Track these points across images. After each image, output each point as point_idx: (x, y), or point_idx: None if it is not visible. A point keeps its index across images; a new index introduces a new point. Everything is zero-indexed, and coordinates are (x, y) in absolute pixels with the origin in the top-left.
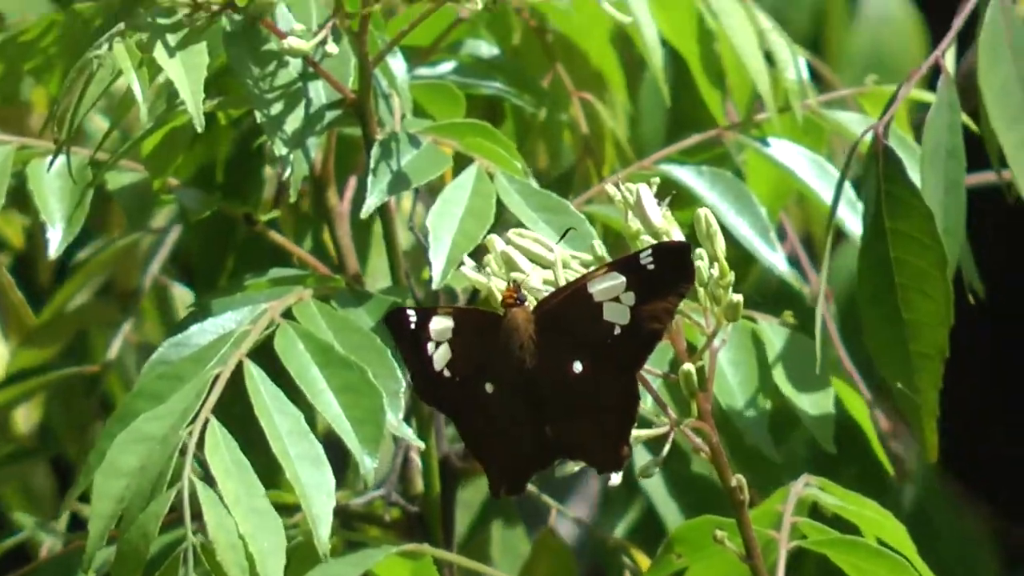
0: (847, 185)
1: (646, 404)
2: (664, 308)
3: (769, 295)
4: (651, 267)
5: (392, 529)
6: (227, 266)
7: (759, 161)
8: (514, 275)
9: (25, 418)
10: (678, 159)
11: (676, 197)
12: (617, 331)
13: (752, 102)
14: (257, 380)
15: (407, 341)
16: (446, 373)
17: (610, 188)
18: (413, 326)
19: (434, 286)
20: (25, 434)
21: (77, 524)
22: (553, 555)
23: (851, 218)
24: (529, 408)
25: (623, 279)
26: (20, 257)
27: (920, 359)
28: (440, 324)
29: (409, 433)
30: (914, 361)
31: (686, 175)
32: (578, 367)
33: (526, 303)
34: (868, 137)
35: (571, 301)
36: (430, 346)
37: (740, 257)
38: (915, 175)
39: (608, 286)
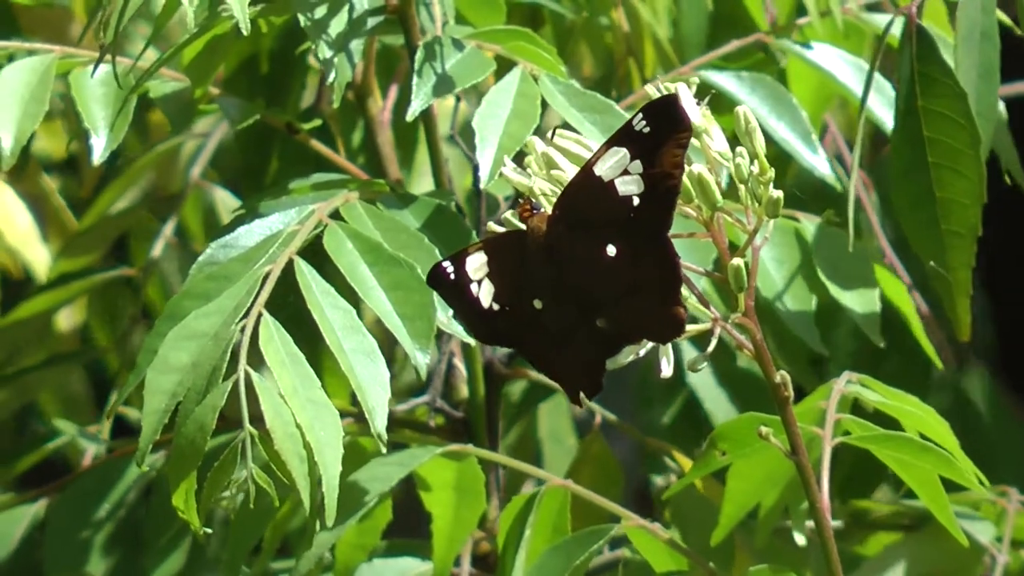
0: (886, 85)
1: (690, 300)
2: (671, 163)
3: (811, 195)
4: (647, 129)
5: (437, 435)
6: (270, 173)
7: (800, 66)
8: (536, 183)
9: (67, 319)
10: (718, 64)
11: (718, 103)
12: (636, 202)
13: (794, 6)
14: (308, 276)
15: (451, 292)
16: (495, 307)
17: (650, 89)
18: (452, 275)
19: (481, 186)
20: (66, 333)
21: (119, 431)
22: (597, 461)
23: (886, 114)
24: (578, 308)
25: (624, 151)
26: (63, 166)
27: (952, 237)
28: (475, 261)
29: (459, 329)
30: (946, 239)
31: (726, 80)
32: (611, 250)
33: (542, 210)
34: (899, 25)
35: (583, 190)
36: (473, 287)
37: (780, 157)
38: (949, 59)
39: (613, 163)
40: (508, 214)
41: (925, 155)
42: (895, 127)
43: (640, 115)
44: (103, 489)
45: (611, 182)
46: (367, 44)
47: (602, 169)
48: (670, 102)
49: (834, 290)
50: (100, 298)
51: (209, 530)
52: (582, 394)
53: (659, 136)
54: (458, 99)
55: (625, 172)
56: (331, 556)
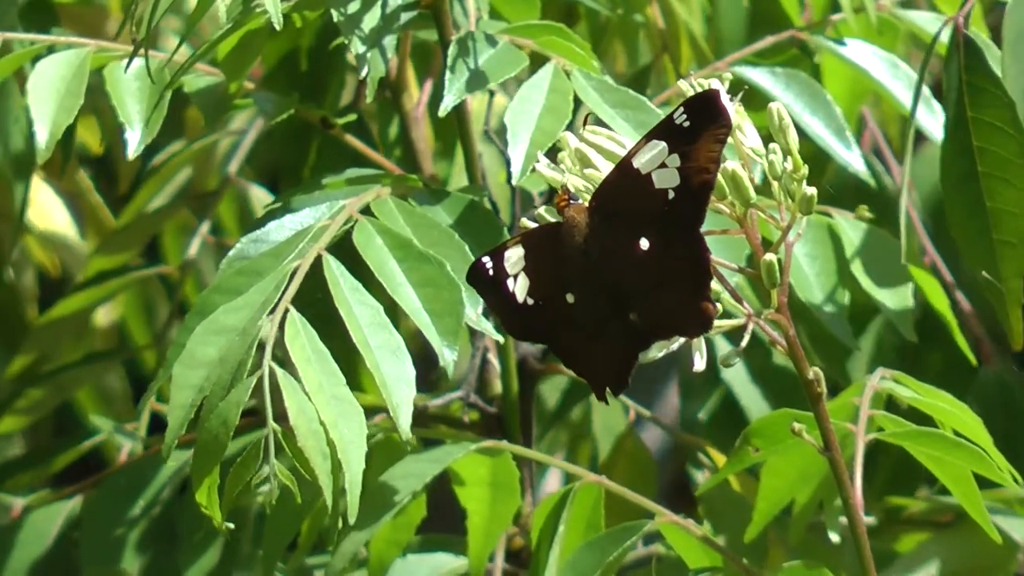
0: (924, 87)
1: (724, 296)
2: (708, 158)
3: (846, 191)
4: (687, 123)
5: (471, 431)
6: (307, 168)
7: (834, 62)
8: (569, 179)
9: (105, 316)
10: (752, 60)
11: (752, 99)
12: (671, 195)
13: (828, 3)
14: (336, 272)
15: (489, 288)
16: (529, 301)
17: (683, 84)
18: (491, 271)
19: (513, 182)
20: (104, 330)
21: (155, 428)
22: (631, 458)
23: (927, 118)
24: (610, 301)
25: (664, 144)
26: (100, 163)
27: (1003, 247)
28: (512, 256)
29: (488, 327)
30: (997, 249)
31: (760, 77)
32: (644, 244)
33: (579, 201)
34: (947, 33)
35: (621, 182)
36: (509, 283)
37: (816, 153)
38: (996, 68)
39: (652, 155)
40: (542, 209)
41: (975, 165)
42: (945, 138)
43: (680, 109)
44: (138, 485)
45: (648, 175)
46: (401, 39)
47: (640, 161)
48: (710, 97)
49: (868, 286)
50: (137, 296)
51: (231, 525)
52: (608, 390)
53: (697, 130)
54: (492, 94)
55: (663, 165)
56: (366, 551)
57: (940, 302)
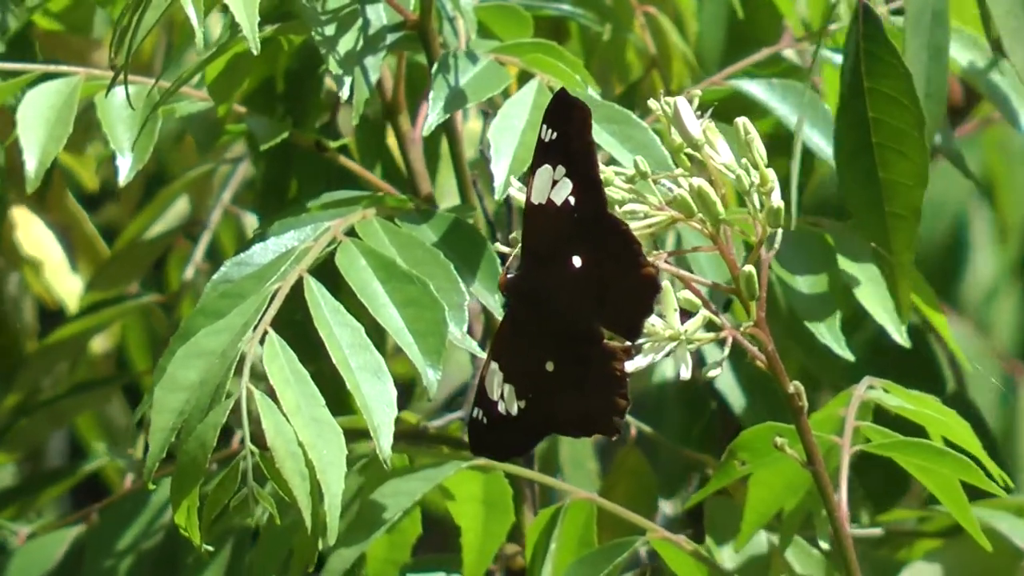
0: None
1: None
2: (581, 151)
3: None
4: (553, 134)
5: (470, 450)
6: (292, 191)
7: (833, 72)
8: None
9: (101, 344)
10: (751, 72)
11: (750, 111)
12: (573, 200)
13: (825, 12)
14: (316, 293)
15: (489, 432)
16: (521, 405)
17: (652, 103)
18: (484, 419)
19: (496, 196)
20: (100, 358)
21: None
22: (633, 475)
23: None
24: (578, 336)
25: (546, 165)
26: (95, 198)
27: (895, 219)
28: (493, 376)
29: (473, 345)
30: (889, 221)
31: (757, 89)
32: (577, 261)
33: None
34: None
35: (535, 222)
36: (500, 407)
37: (804, 165)
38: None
39: (542, 181)
40: (516, 233)
41: (870, 136)
42: (839, 107)
43: (543, 127)
44: (141, 511)
45: (550, 200)
46: (397, 61)
47: (535, 192)
48: (557, 98)
49: (859, 294)
50: (136, 323)
51: (211, 548)
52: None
53: (564, 131)
54: (485, 114)
55: (555, 183)
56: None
57: (932, 311)
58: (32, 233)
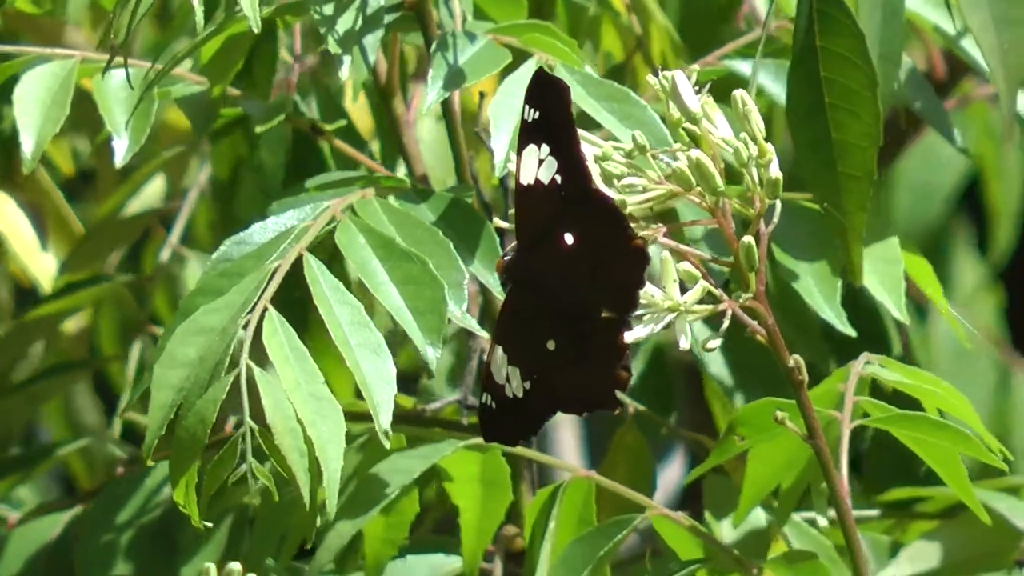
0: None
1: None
2: (562, 127)
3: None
4: (535, 113)
5: (469, 434)
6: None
7: None
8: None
9: (75, 324)
10: (744, 52)
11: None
12: (559, 178)
13: None
14: (316, 271)
15: (501, 416)
16: (527, 387)
17: (650, 79)
18: (494, 404)
19: (496, 173)
20: (72, 336)
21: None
22: (631, 453)
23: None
24: (578, 312)
25: (531, 145)
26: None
27: (848, 180)
28: (497, 360)
29: (473, 324)
30: (842, 182)
31: (750, 68)
32: (569, 238)
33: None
34: None
35: (525, 203)
36: (507, 390)
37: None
38: None
39: (529, 162)
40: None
41: (822, 96)
42: (792, 66)
43: (524, 107)
44: (135, 494)
45: (538, 180)
46: (390, 43)
47: (523, 173)
48: (536, 77)
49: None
50: (108, 307)
51: (209, 524)
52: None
53: (546, 110)
54: (483, 96)
55: (540, 162)
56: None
57: (931, 285)
58: (7, 214)
